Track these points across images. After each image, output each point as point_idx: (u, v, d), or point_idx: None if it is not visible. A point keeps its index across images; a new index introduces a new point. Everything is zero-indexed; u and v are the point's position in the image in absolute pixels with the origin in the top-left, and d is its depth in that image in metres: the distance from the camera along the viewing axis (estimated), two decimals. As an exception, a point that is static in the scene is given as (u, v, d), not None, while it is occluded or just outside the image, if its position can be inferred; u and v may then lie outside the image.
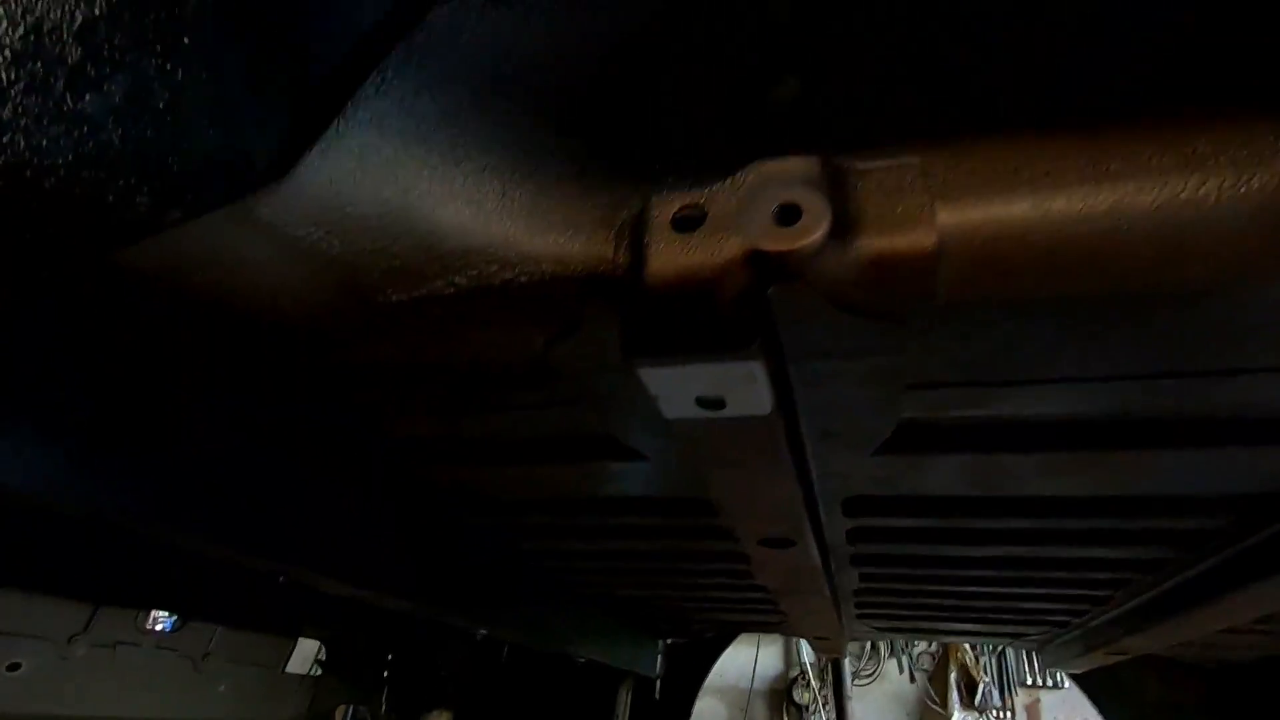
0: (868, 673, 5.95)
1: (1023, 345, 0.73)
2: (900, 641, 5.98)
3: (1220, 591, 1.36)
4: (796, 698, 5.82)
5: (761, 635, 6.12)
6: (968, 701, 5.61)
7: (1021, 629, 2.41)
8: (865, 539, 1.45)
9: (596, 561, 1.95)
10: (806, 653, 6.02)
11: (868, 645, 5.98)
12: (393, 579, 1.52)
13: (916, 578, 1.79)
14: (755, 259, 0.64)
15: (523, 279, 0.76)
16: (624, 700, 3.44)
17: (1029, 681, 5.69)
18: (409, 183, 0.76)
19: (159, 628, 2.33)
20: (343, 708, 3.24)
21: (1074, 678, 3.08)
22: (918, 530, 1.41)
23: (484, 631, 2.03)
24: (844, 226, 0.64)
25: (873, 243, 0.64)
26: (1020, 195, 0.64)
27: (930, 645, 5.98)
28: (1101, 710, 3.13)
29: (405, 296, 0.78)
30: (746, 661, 6.02)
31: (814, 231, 0.63)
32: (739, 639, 6.09)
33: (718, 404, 0.74)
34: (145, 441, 0.98)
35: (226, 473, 1.13)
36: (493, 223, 0.77)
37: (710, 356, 0.66)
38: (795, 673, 5.99)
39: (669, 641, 3.48)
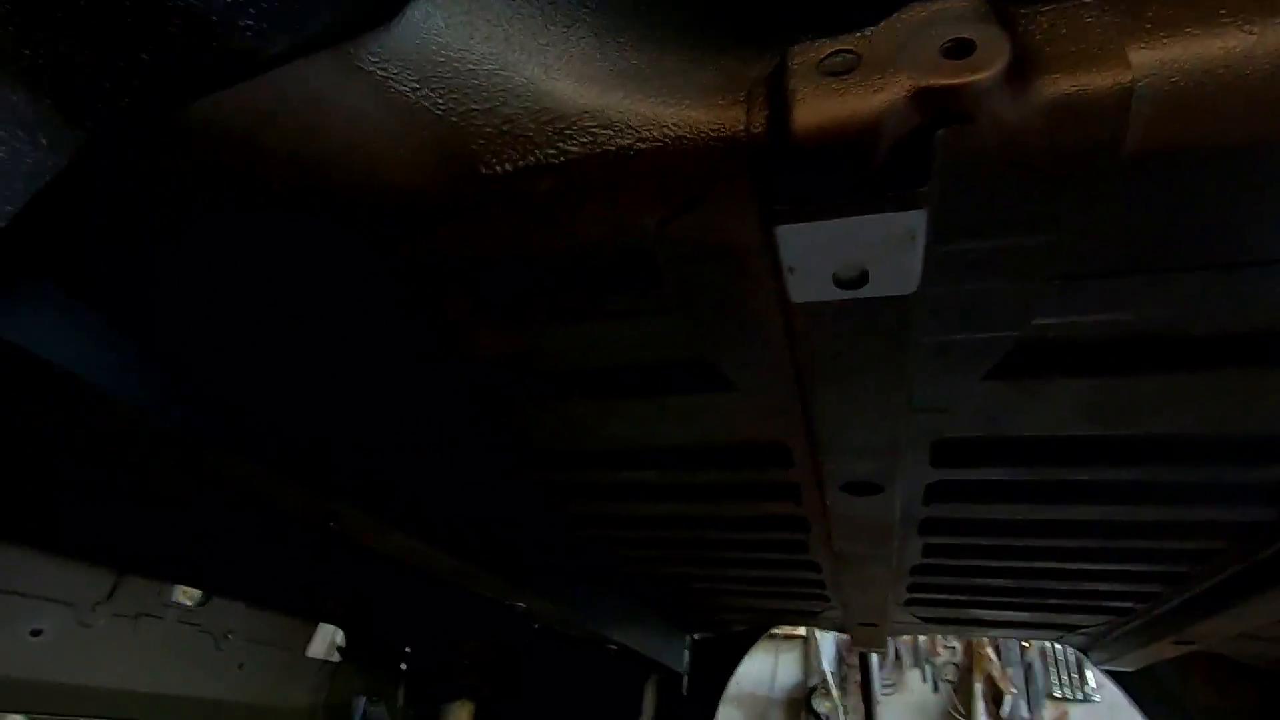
0: (889, 683, 5.80)
1: (1207, 211, 0.66)
2: (924, 649, 5.84)
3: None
4: (816, 706, 5.67)
5: (781, 642, 5.99)
6: (994, 713, 5.44)
7: (1079, 619, 2.31)
8: (944, 497, 1.37)
9: (644, 530, 1.87)
10: (827, 661, 5.88)
11: (892, 654, 5.84)
12: (442, 533, 1.45)
13: (984, 551, 1.70)
14: (923, 97, 0.57)
15: (640, 146, 0.70)
16: (650, 696, 3.33)
17: (1056, 693, 5.52)
18: (522, 40, 0.71)
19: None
20: (359, 698, 3.14)
21: (1120, 682, 2.96)
22: (1005, 487, 1.33)
23: (523, 606, 1.95)
24: (1023, 64, 0.58)
25: (1056, 81, 0.58)
26: (1223, 27, 0.57)
27: (954, 654, 5.82)
28: (1148, 712, 3.01)
29: (511, 166, 0.72)
30: (764, 669, 5.88)
31: (991, 65, 0.56)
32: (757, 647, 5.97)
33: (858, 280, 0.67)
34: (204, 346, 0.92)
35: (287, 395, 1.07)
36: (609, 86, 0.71)
37: (870, 207, 0.59)
38: (815, 681, 5.84)
39: (696, 636, 3.38)
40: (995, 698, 5.49)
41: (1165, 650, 2.17)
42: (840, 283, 0.68)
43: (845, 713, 5.60)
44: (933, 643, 5.83)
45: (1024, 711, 5.41)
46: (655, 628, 2.97)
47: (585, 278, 0.86)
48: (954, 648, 5.82)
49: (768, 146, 0.64)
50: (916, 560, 1.80)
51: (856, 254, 0.64)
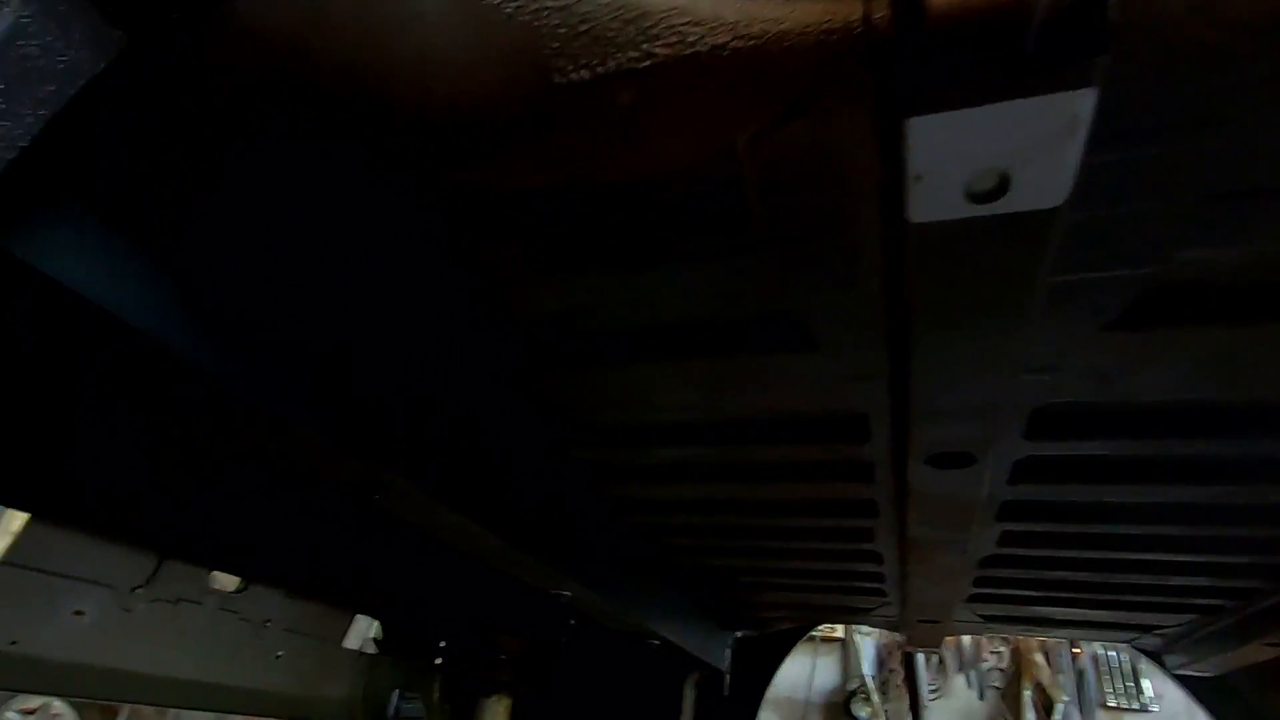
0: (933, 688, 5.61)
1: None
2: (969, 654, 5.64)
3: None
4: (856, 711, 5.51)
5: (819, 644, 5.84)
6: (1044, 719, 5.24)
7: (1159, 619, 2.16)
8: (1033, 476, 1.25)
9: (692, 515, 1.78)
10: (867, 664, 5.72)
11: (935, 658, 5.65)
12: (488, 513, 1.38)
13: (1064, 540, 1.57)
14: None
15: (736, 45, 0.61)
16: (690, 695, 3.23)
17: (1110, 703, 5.29)
18: (601, -75, 0.63)
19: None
20: (395, 691, 3.10)
21: (1194, 689, 2.78)
22: (1102, 463, 1.21)
23: (567, 595, 1.87)
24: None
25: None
26: None
27: (1000, 659, 5.62)
28: (1224, 723, 2.82)
29: (588, 73, 0.64)
30: (802, 672, 5.74)
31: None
32: (794, 649, 5.82)
33: (995, 190, 0.58)
34: (246, 289, 0.86)
35: (330, 351, 1.01)
36: (701, -22, 0.63)
37: (1028, 86, 0.49)
38: (854, 685, 5.68)
39: (739, 634, 3.27)
40: (1045, 705, 5.28)
41: (1254, 653, 2.01)
42: (974, 195, 0.59)
43: (886, 718, 5.43)
44: (978, 647, 5.63)
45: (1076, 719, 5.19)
46: (697, 624, 2.87)
47: (657, 212, 0.77)
48: (1000, 652, 5.61)
49: (897, 21, 0.54)
50: (989, 550, 1.68)
51: (999, 153, 0.55)
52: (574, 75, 0.64)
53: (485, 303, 0.98)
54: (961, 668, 5.60)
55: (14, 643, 1.75)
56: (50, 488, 1.72)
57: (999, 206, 0.59)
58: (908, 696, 5.44)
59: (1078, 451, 1.17)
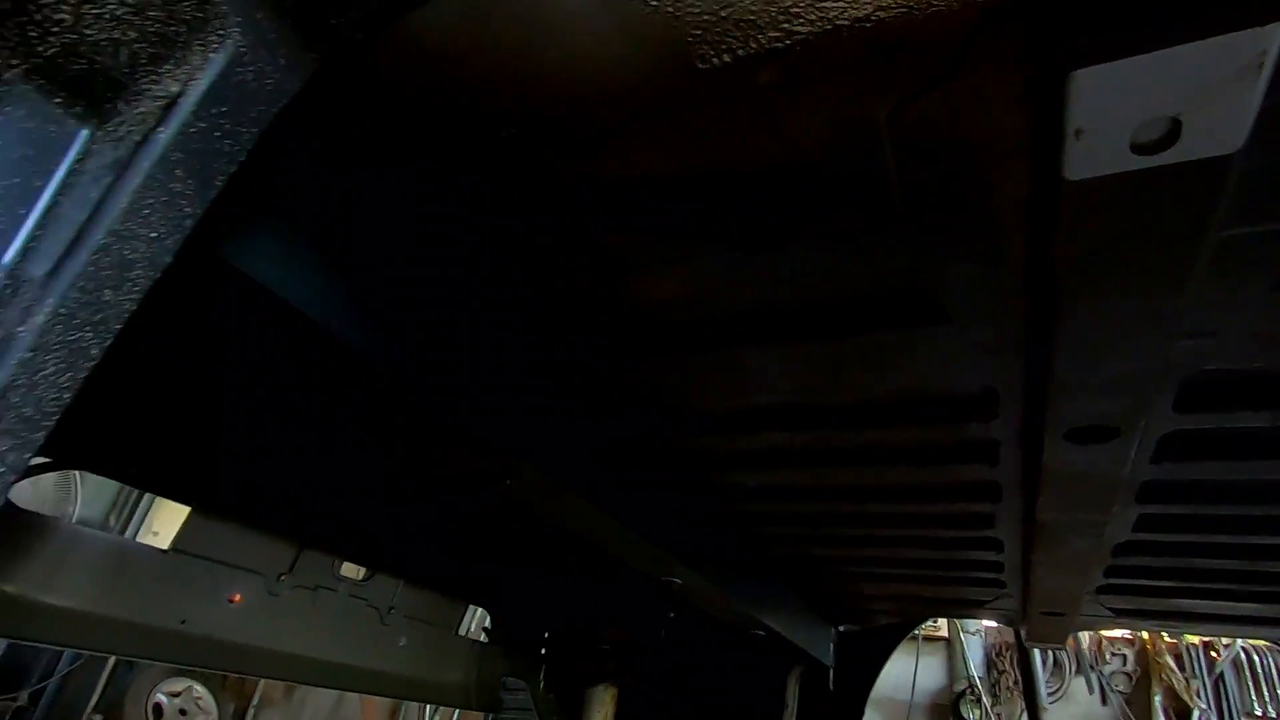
0: (1051, 691, 5.31)
1: None
2: (1090, 655, 5.30)
3: None
4: (964, 713, 5.28)
5: (922, 644, 5.64)
6: (1178, 730, 4.85)
7: (1319, 613, 1.97)
8: (1180, 452, 1.18)
9: (799, 503, 1.77)
10: (974, 664, 5.48)
11: (1050, 659, 5.35)
12: (606, 499, 1.42)
13: (1212, 523, 1.47)
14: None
15: (879, 16, 0.62)
16: (793, 689, 3.20)
17: (1256, 711, 4.84)
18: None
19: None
20: (505, 680, 3.22)
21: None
22: (1258, 438, 1.13)
23: (678, 581, 1.90)
24: None
25: None
26: None
27: (1125, 663, 5.25)
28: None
29: (730, 57, 0.66)
30: (904, 672, 5.56)
31: None
32: (898, 649, 5.64)
33: (1163, 140, 0.56)
34: (405, 285, 0.93)
35: (474, 343, 1.07)
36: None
37: (1208, 26, 0.48)
38: (962, 686, 5.45)
39: (841, 629, 3.22)
40: (1179, 712, 4.89)
41: None
42: (1139, 146, 0.57)
43: (998, 722, 5.18)
44: (1100, 648, 5.29)
45: (1216, 729, 4.78)
46: (801, 617, 2.85)
47: (789, 191, 0.78)
48: (1125, 655, 5.25)
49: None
50: (1124, 536, 1.59)
51: (1170, 101, 0.53)
52: (716, 60, 0.67)
53: (604, 292, 1.02)
54: (1080, 669, 5.27)
55: (184, 622, 1.94)
56: (209, 483, 1.90)
57: (1167, 157, 0.57)
58: (1021, 699, 5.15)
59: (1231, 424, 1.10)
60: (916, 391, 1.19)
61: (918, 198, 0.75)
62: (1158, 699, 4.96)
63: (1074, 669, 5.33)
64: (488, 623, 3.35)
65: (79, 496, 6.18)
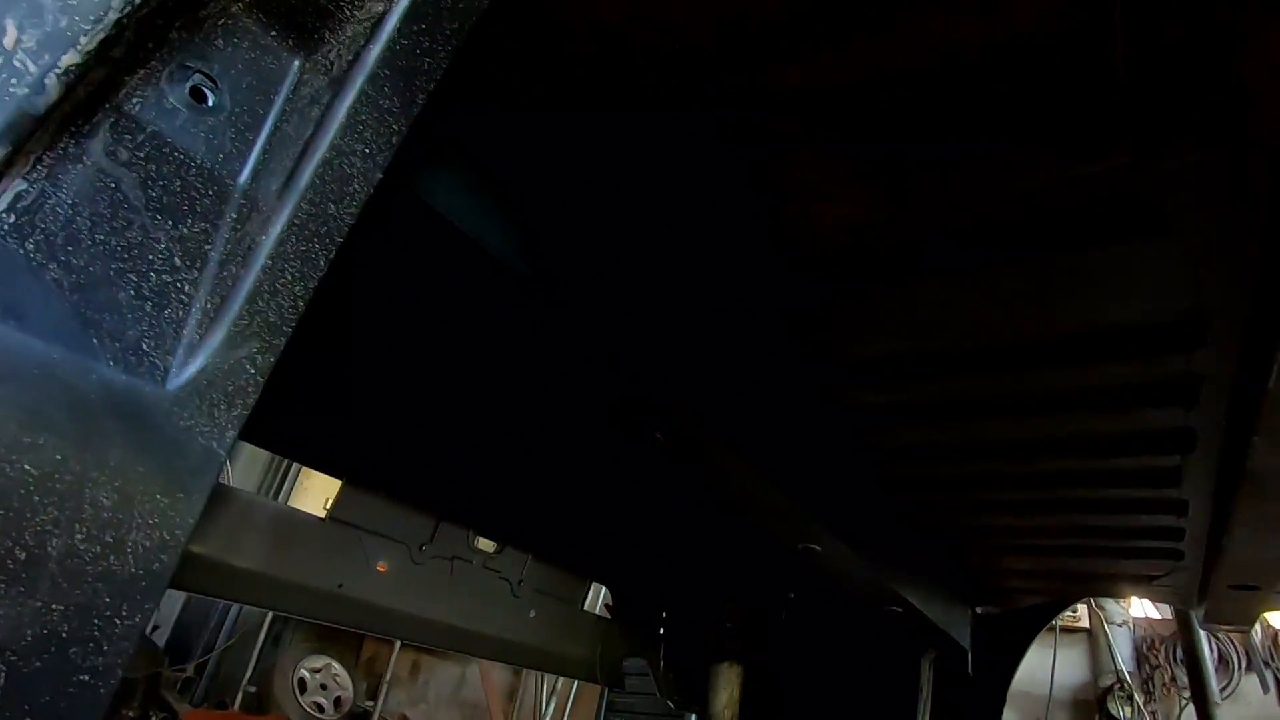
0: (1218, 688, 4.79)
1: None
2: (1263, 649, 4.75)
3: None
4: (1113, 710, 4.87)
5: (1060, 635, 5.24)
6: (1380, 737, 4.25)
7: None
8: None
9: (949, 465, 1.67)
10: (1123, 657, 5.03)
11: (1214, 653, 4.83)
12: (757, 455, 1.39)
13: None
14: None
15: None
16: (927, 673, 3.05)
17: None
18: None
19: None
20: (628, 658, 3.26)
21: None
22: None
23: (817, 548, 1.84)
24: None
25: None
26: None
27: (1308, 660, 4.65)
28: None
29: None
30: (1040, 665, 5.18)
31: None
32: (1036, 641, 5.27)
33: None
34: (578, 230, 0.94)
35: (641, 291, 1.07)
36: None
37: None
38: (1109, 681, 5.03)
39: (979, 610, 3.03)
40: (1380, 717, 4.28)
41: None
42: None
43: (1153, 721, 4.73)
44: (1275, 641, 4.73)
45: None
46: (938, 595, 2.70)
47: (986, 85, 0.72)
48: (1308, 651, 4.66)
49: None
50: (1346, 491, 1.39)
51: None
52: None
53: (772, 220, 0.98)
54: (1252, 666, 4.72)
55: (340, 585, 2.08)
56: (359, 456, 2.02)
57: None
58: (1181, 696, 4.66)
59: None
60: (1109, 323, 1.08)
61: (1147, 72, 0.66)
62: (1351, 701, 4.36)
63: (1244, 665, 4.79)
64: (609, 599, 3.40)
65: (231, 473, 6.80)
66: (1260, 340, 0.94)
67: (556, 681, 7.56)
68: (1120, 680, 4.92)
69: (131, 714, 5.76)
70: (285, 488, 7.15)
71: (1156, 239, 0.85)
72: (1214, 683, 3.94)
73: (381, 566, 2.18)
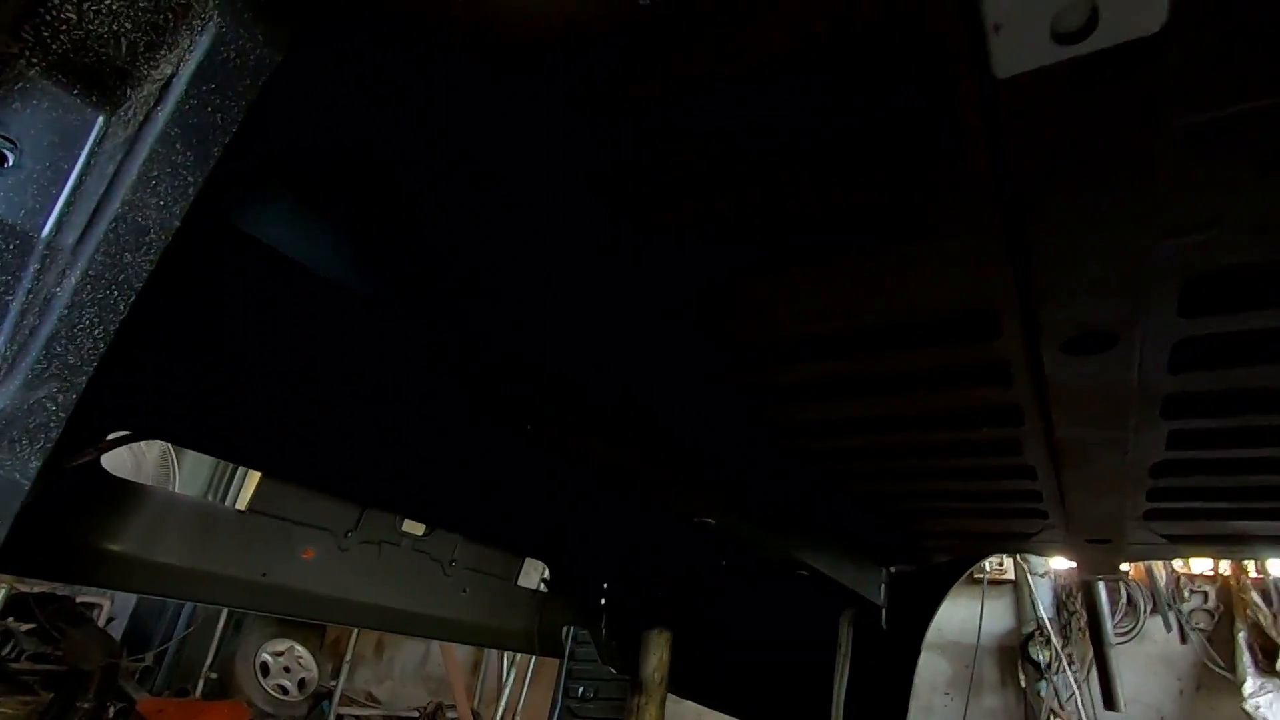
0: (1124, 630, 5.18)
1: None
2: (1167, 593, 5.13)
3: None
4: (1034, 655, 5.22)
5: (988, 587, 5.58)
6: (1265, 666, 4.66)
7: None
8: (1199, 360, 1.15)
9: (831, 439, 1.80)
10: (1044, 605, 5.38)
11: (1123, 598, 5.20)
12: (638, 440, 1.49)
13: (1258, 436, 1.42)
14: None
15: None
16: (846, 630, 3.25)
17: (1353, 646, 4.60)
18: None
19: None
20: (566, 628, 3.40)
21: None
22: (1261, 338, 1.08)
23: (711, 521, 1.97)
24: None
25: None
26: None
27: (1206, 600, 5.05)
28: None
29: (667, -10, 0.69)
30: (970, 616, 5.51)
31: None
32: (962, 592, 5.60)
33: (1084, 28, 0.56)
34: (409, 235, 1.01)
35: (491, 288, 1.14)
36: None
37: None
38: (1031, 628, 5.38)
39: (893, 569, 3.23)
40: (1265, 649, 4.69)
41: None
42: (1061, 36, 0.57)
43: (1071, 663, 5.10)
44: (1178, 585, 5.10)
45: (1307, 665, 4.57)
46: (849, 557, 2.88)
47: (752, 111, 0.81)
48: (1206, 592, 5.05)
49: None
50: (1159, 455, 1.55)
51: (1082, -13, 0.54)
52: (653, -7, 0.70)
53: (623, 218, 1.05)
54: (1157, 608, 5.10)
55: (265, 574, 2.15)
56: (275, 449, 2.08)
57: (1090, 44, 0.57)
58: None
59: (1253, 325, 1.06)
60: (926, 312, 1.19)
61: (872, 104, 0.76)
62: (1242, 636, 4.76)
63: (1150, 608, 5.17)
64: (547, 574, 3.52)
65: (177, 474, 6.75)
66: (1031, 331, 1.07)
67: (516, 654, 7.77)
68: (1040, 627, 5.27)
69: (87, 705, 5.75)
70: (234, 484, 7.11)
71: (932, 243, 0.95)
72: (1109, 624, 4.27)
73: (307, 554, 2.25)
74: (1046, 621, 5.24)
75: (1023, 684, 5.20)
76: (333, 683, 8.02)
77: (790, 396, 1.58)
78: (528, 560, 3.25)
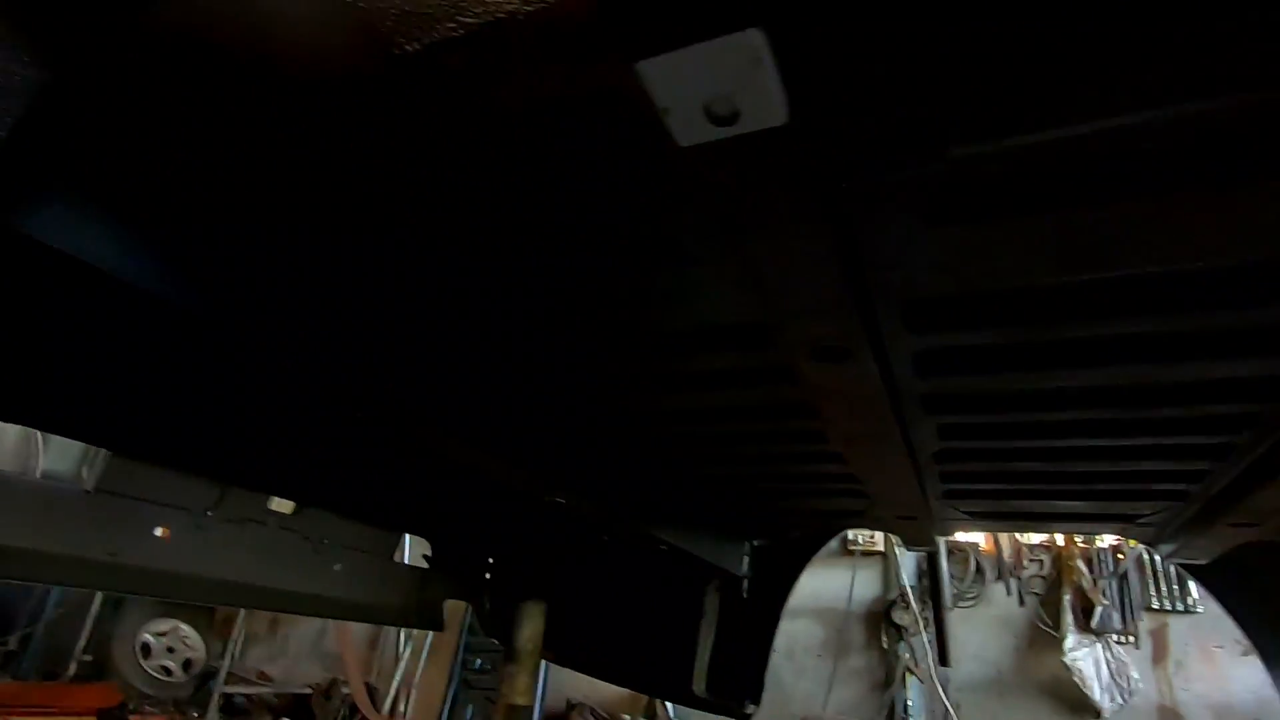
0: (971, 595, 5.76)
1: None
2: (1009, 563, 5.72)
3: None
4: (896, 619, 5.73)
5: (859, 558, 6.04)
6: (1084, 625, 5.31)
7: (1136, 507, 2.22)
8: (938, 368, 1.36)
9: (679, 425, 1.96)
10: (906, 575, 5.89)
11: (972, 567, 5.77)
12: (474, 425, 1.59)
13: (1007, 430, 1.67)
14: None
15: (525, 9, 0.74)
16: (712, 600, 3.50)
17: (1154, 605, 5.30)
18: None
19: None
20: (448, 601, 3.49)
21: (1198, 577, 2.83)
22: (998, 352, 1.30)
23: (560, 500, 2.10)
24: None
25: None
26: None
27: (1042, 568, 5.69)
28: (1237, 614, 2.87)
29: (420, 45, 0.78)
30: (843, 584, 5.98)
31: None
32: (836, 563, 6.04)
33: (731, 116, 0.70)
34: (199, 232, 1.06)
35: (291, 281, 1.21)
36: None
37: (706, 30, 0.62)
38: (894, 595, 5.88)
39: (756, 543, 3.49)
40: (1085, 610, 5.34)
41: (1227, 536, 2.07)
42: (718, 119, 0.71)
43: (926, 626, 5.63)
44: (1018, 555, 5.70)
45: (1116, 623, 5.24)
46: (714, 533, 3.10)
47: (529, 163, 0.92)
48: (1041, 560, 5.67)
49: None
50: (937, 445, 1.79)
51: (721, 85, 0.67)
52: (409, 47, 0.79)
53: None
54: (1001, 576, 5.70)
55: (114, 554, 2.13)
56: (123, 427, 2.05)
57: (740, 127, 0.71)
58: (950, 605, 5.60)
59: (969, 341, 1.27)
60: (731, 321, 1.33)
61: (623, 165, 0.88)
62: (1067, 598, 5.40)
63: (995, 576, 5.77)
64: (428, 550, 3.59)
65: (41, 453, 6.32)
66: (786, 341, 1.24)
67: (414, 629, 7.78)
68: (903, 593, 5.78)
69: (-64, 694, 5.39)
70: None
71: (696, 268, 1.10)
72: (949, 592, 4.77)
73: (163, 532, 2.24)
74: (908, 589, 5.75)
75: (885, 645, 5.72)
76: (222, 662, 7.79)
77: (643, 388, 1.72)
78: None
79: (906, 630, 5.65)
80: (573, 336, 1.50)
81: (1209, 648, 4.97)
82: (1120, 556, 5.39)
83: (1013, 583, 5.64)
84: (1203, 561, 2.52)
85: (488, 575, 3.74)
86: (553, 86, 0.79)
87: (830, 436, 1.83)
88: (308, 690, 7.92)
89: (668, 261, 1.13)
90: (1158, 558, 5.32)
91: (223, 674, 7.39)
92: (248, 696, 7.84)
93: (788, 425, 1.84)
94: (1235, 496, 1.81)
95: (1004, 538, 5.52)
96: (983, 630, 5.65)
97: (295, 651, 8.73)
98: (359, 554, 2.93)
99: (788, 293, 1.02)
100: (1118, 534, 2.69)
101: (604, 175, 0.92)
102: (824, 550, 5.62)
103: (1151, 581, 5.32)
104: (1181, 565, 2.65)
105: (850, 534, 5.91)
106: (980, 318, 1.20)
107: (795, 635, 5.78)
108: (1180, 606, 5.23)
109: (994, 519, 2.55)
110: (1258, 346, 1.19)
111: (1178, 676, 5.13)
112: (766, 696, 3.52)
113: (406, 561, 3.45)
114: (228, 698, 7.73)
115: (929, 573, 4.85)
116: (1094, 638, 5.19)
